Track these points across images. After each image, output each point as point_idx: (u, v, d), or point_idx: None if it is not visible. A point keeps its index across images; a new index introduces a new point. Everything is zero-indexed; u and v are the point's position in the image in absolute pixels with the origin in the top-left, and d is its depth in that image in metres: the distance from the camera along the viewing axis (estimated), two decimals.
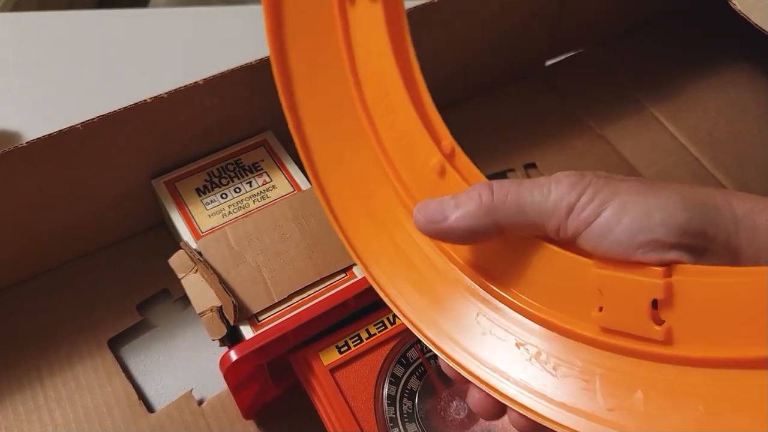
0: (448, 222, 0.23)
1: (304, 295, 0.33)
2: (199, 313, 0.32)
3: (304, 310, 0.31)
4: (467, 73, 0.46)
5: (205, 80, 0.34)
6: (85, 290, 0.38)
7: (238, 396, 0.32)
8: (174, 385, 0.36)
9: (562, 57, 0.50)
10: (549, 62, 0.50)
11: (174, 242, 0.39)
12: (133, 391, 0.35)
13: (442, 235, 0.24)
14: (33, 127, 0.45)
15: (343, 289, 0.32)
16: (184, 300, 0.38)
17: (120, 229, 0.39)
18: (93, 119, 0.32)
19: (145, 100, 0.33)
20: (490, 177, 0.44)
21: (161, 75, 0.46)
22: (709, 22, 0.51)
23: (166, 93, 0.33)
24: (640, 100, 0.48)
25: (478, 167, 0.47)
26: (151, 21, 0.54)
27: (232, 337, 0.33)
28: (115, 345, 0.37)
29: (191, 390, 0.35)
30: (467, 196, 0.23)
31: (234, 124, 0.37)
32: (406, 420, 0.30)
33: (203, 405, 0.35)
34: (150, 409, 0.35)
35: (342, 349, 0.31)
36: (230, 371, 0.29)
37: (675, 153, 0.46)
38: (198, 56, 0.49)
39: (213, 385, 0.35)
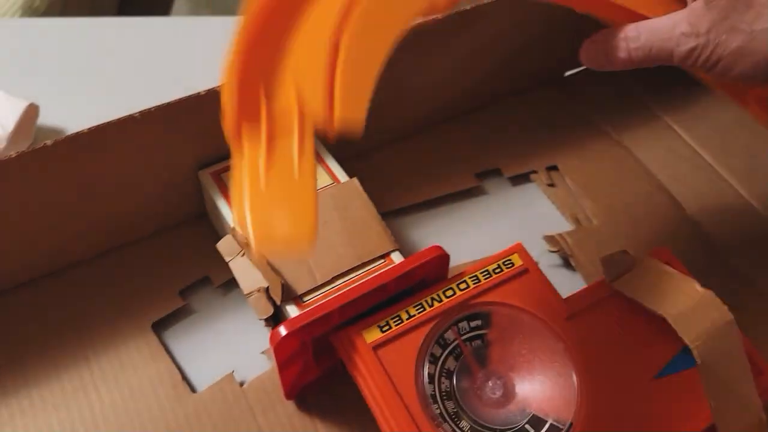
0: (603, 66, 0.33)
1: (346, 279, 0.34)
2: (246, 294, 0.34)
3: (348, 290, 0.33)
4: (493, 79, 0.48)
5: None
6: (130, 276, 0.39)
7: (283, 373, 0.33)
8: (215, 368, 0.37)
9: (582, 68, 0.53)
10: (568, 73, 0.52)
11: (215, 232, 0.41)
12: (177, 371, 0.36)
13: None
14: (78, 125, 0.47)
15: (383, 272, 0.34)
16: (225, 287, 0.40)
17: (164, 218, 0.41)
18: (150, 108, 0.34)
19: (198, 92, 0.35)
20: (514, 178, 0.46)
21: (204, 75, 0.48)
22: None
23: (219, 87, 0.35)
24: (654, 109, 0.51)
25: (502, 168, 0.49)
26: (191, 29, 0.56)
27: (276, 318, 0.35)
28: (158, 329, 0.38)
29: (232, 372, 0.36)
30: (616, 45, 0.32)
31: None
32: (444, 397, 0.31)
33: (244, 386, 0.36)
34: (192, 389, 0.36)
35: (384, 329, 0.32)
36: (279, 346, 0.31)
37: (689, 159, 0.48)
38: None
39: (252, 369, 0.37)
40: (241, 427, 0.35)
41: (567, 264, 0.43)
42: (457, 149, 0.47)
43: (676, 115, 0.50)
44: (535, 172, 0.47)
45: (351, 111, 0.23)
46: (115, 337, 0.37)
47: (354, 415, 0.36)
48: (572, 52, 0.51)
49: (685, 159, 0.48)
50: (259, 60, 0.24)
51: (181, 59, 0.52)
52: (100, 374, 0.36)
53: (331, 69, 0.24)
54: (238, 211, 0.22)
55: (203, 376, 0.37)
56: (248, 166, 0.22)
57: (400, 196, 0.44)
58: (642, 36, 0.31)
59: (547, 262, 0.43)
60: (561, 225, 0.45)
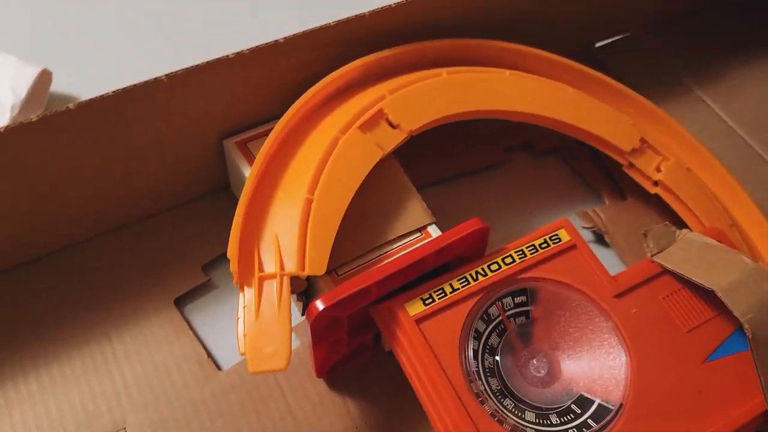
0: None
1: (381, 252, 0.33)
2: None
3: (386, 263, 0.31)
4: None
5: (286, 38, 0.34)
6: (150, 250, 0.38)
7: (316, 350, 0.32)
8: None
9: (611, 39, 0.51)
10: (599, 44, 0.51)
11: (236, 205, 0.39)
12: (202, 348, 0.35)
13: None
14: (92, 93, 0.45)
15: (422, 245, 0.32)
16: None
17: (185, 191, 0.39)
18: (177, 71, 0.32)
19: (227, 56, 0.33)
20: (541, 153, 0.45)
21: (236, 34, 0.46)
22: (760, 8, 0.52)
23: (247, 49, 0.33)
24: (688, 83, 0.49)
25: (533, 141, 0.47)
26: None
27: (308, 293, 0.33)
28: (180, 305, 0.37)
29: None
30: None
31: (307, 87, 0.37)
32: (488, 374, 0.30)
33: None
34: (218, 367, 0.35)
35: (427, 302, 0.31)
36: (316, 321, 0.29)
37: (724, 137, 0.47)
38: (273, 16, 0.49)
39: None
40: (270, 406, 0.33)
41: (601, 240, 0.42)
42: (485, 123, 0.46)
43: (709, 88, 0.49)
44: (566, 146, 0.45)
45: (317, 260, 0.31)
46: (137, 312, 0.36)
47: (385, 395, 0.34)
48: (603, 22, 0.50)
49: (719, 136, 0.47)
50: (254, 229, 0.32)
51: (204, 19, 0.49)
52: (123, 351, 0.34)
53: (303, 226, 0.31)
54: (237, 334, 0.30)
55: (228, 353, 0.35)
56: (245, 305, 0.30)
57: (427, 171, 0.43)
58: None
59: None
60: (591, 201, 0.43)
